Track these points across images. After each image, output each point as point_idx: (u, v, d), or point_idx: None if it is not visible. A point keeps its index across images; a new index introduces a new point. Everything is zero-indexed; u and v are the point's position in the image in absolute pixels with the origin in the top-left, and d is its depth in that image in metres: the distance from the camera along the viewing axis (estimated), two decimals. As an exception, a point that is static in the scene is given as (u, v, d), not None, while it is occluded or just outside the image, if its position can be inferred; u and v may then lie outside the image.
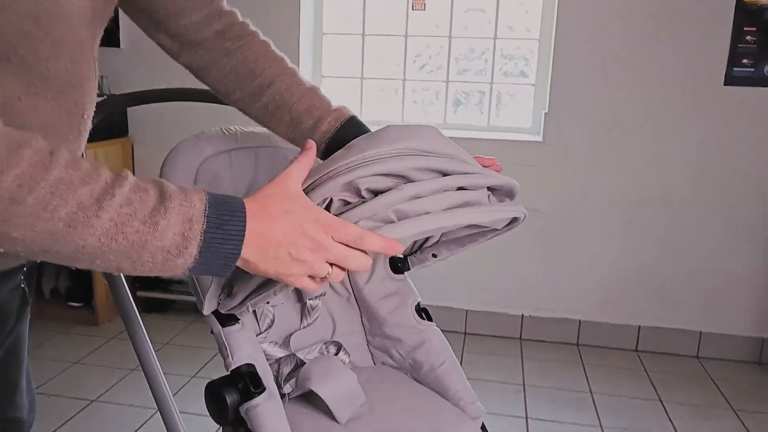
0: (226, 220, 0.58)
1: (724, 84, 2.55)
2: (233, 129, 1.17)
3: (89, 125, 0.78)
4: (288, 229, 0.61)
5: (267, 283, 0.71)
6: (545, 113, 2.72)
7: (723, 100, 2.57)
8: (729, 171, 2.63)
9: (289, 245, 0.61)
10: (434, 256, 1.05)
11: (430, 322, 1.11)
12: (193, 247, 0.57)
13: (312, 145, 0.70)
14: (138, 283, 2.97)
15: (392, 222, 0.72)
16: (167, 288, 3.01)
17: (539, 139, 2.75)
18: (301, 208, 0.63)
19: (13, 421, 1.03)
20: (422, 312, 1.12)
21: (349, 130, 0.93)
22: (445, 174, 0.76)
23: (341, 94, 3.06)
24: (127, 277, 1.12)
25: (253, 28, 0.98)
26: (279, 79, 0.94)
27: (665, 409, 2.34)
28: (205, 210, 0.58)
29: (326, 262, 0.63)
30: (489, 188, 0.81)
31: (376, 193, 0.71)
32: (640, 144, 2.67)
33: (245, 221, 0.59)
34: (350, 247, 0.64)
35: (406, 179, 0.73)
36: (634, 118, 2.65)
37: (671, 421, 2.25)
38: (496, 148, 2.75)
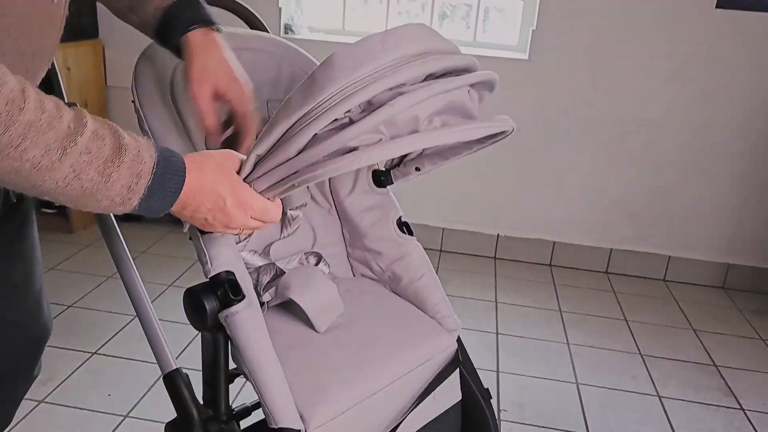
0: (168, 178, 0.66)
1: (716, 6, 2.50)
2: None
3: (41, 69, 0.75)
4: (213, 199, 0.71)
5: None
6: (533, 30, 2.65)
7: (713, 22, 2.52)
8: (709, 96, 2.61)
9: (207, 213, 0.71)
10: (417, 169, 1.03)
11: (410, 236, 1.10)
12: (135, 199, 0.64)
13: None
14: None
15: (382, 134, 0.70)
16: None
17: (525, 57, 2.70)
18: (229, 185, 0.71)
19: (19, 325, 1.03)
20: (403, 226, 1.11)
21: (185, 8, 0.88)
22: (433, 75, 0.73)
23: (323, 3, 2.94)
24: None
25: None
26: None
27: (629, 327, 2.43)
28: (153, 167, 0.64)
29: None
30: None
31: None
32: (624, 64, 2.63)
33: (184, 182, 0.67)
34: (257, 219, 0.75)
35: (396, 88, 0.70)
36: (622, 38, 2.59)
37: (634, 339, 2.34)
38: (482, 64, 2.67)
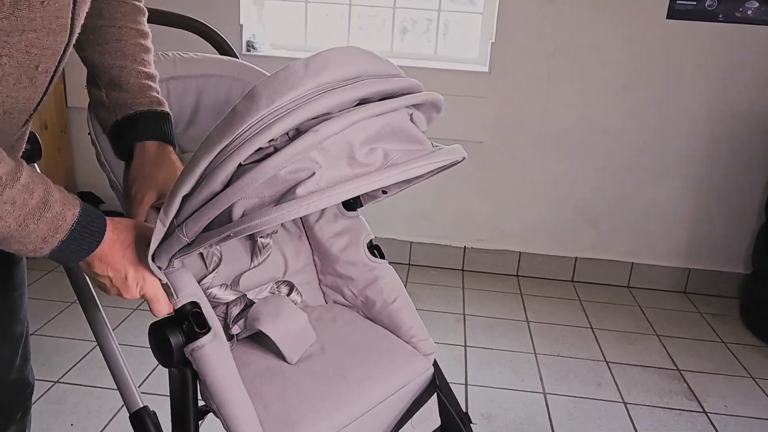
0: (85, 237, 0.72)
1: (667, 17, 2.58)
2: (170, 55, 1.09)
3: (46, 79, 0.75)
4: (117, 269, 0.77)
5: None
6: (492, 43, 2.68)
7: (665, 32, 2.59)
8: (664, 103, 2.69)
9: (106, 279, 0.77)
10: (384, 192, 1.02)
11: (382, 260, 1.10)
12: (47, 249, 0.70)
13: None
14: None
15: (316, 162, 0.67)
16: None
17: (485, 69, 2.73)
18: (134, 264, 0.77)
19: (23, 383, 1.01)
20: (374, 249, 1.11)
21: (149, 122, 0.92)
22: (368, 100, 0.72)
23: (285, 19, 2.92)
24: None
25: None
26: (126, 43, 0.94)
27: (595, 335, 2.47)
28: (72, 226, 0.70)
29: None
30: (415, 105, 0.78)
31: (288, 134, 0.67)
32: (581, 74, 2.68)
33: (98, 244, 0.74)
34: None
35: (324, 115, 0.68)
36: (578, 48, 2.65)
37: (600, 347, 2.38)
38: (443, 77, 2.72)
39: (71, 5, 0.70)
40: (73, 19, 0.72)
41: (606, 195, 2.83)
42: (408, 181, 0.94)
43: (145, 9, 0.98)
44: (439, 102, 0.80)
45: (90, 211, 0.73)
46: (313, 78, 0.66)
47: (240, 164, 0.66)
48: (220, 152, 0.66)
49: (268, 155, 0.66)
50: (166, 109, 0.95)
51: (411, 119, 0.80)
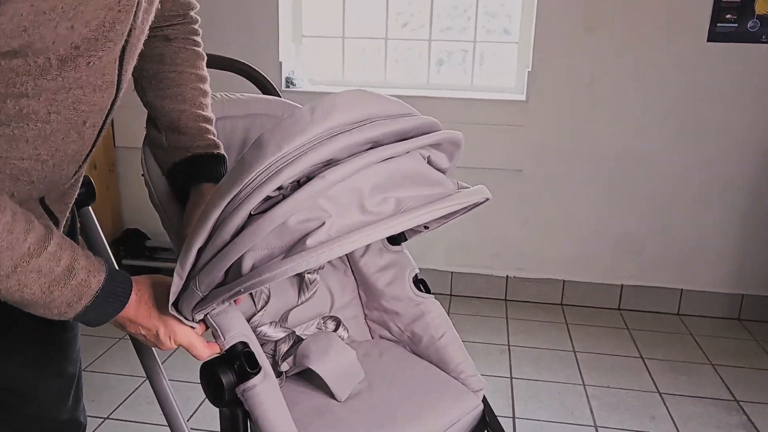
0: (109, 301, 0.74)
1: (708, 40, 2.54)
2: (218, 96, 1.11)
3: (94, 133, 0.77)
4: (147, 327, 0.79)
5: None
6: (528, 71, 2.68)
7: (706, 56, 2.55)
8: (708, 129, 2.63)
9: (141, 337, 0.81)
10: (426, 227, 1.02)
11: (428, 294, 1.09)
12: (72, 314, 0.71)
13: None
14: (123, 250, 2.91)
15: (325, 212, 0.67)
16: (152, 256, 2.96)
17: (523, 98, 2.72)
18: (161, 320, 0.79)
19: (75, 424, 1.03)
20: (420, 283, 1.10)
21: (208, 164, 0.95)
22: (378, 143, 0.71)
23: (322, 55, 2.98)
24: (110, 243, 1.10)
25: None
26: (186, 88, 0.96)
27: (646, 365, 2.39)
28: (97, 293, 0.72)
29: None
30: (432, 145, 0.77)
31: (299, 182, 0.67)
32: (621, 101, 2.65)
33: (123, 306, 0.76)
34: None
35: (333, 161, 0.68)
36: (616, 75, 2.62)
37: (651, 377, 2.30)
38: (480, 107, 2.72)
39: (117, 63, 0.72)
40: (119, 75, 0.74)
41: (650, 223, 2.77)
42: (445, 217, 0.94)
43: (205, 54, 1.00)
44: (457, 139, 0.79)
45: (115, 276, 0.75)
46: (320, 123, 0.66)
47: (250, 214, 0.67)
48: (230, 202, 0.66)
49: (276, 203, 0.66)
50: (222, 151, 0.97)
51: (429, 160, 0.79)
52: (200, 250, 0.71)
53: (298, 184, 0.67)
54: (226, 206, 0.67)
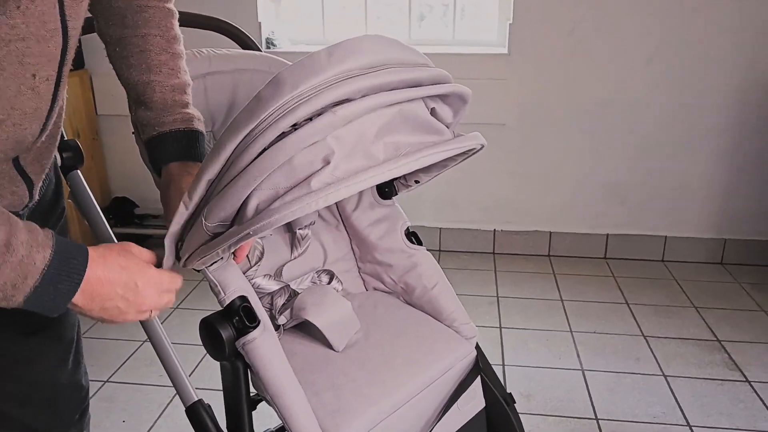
0: (63, 279, 0.64)
1: (689, -15, 2.53)
2: (205, 51, 1.10)
3: (50, 87, 0.71)
4: (124, 282, 0.70)
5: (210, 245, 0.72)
6: (510, 24, 2.67)
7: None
8: (691, 74, 2.64)
9: (119, 300, 0.70)
10: (417, 182, 1.04)
11: (420, 246, 1.11)
12: (20, 297, 0.62)
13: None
14: (113, 219, 2.90)
15: (331, 150, 0.68)
16: (142, 223, 2.96)
17: (505, 51, 2.71)
18: (137, 267, 0.72)
19: (77, 387, 1.02)
20: (412, 236, 1.12)
21: (180, 141, 0.88)
22: (392, 88, 0.72)
23: (302, 11, 2.93)
24: (103, 211, 1.09)
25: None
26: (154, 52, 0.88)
27: (631, 310, 2.45)
28: (44, 269, 0.63)
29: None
30: (440, 96, 0.78)
31: (311, 119, 0.67)
32: (602, 49, 2.65)
33: (81, 280, 0.66)
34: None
35: (347, 101, 0.69)
36: (597, 23, 2.61)
37: (636, 321, 2.37)
38: (462, 62, 2.71)
39: (57, 7, 0.66)
40: (64, 21, 0.68)
41: (634, 170, 2.80)
42: (438, 167, 0.95)
43: (176, 11, 0.91)
44: (465, 94, 0.80)
45: (67, 248, 0.66)
46: (337, 65, 0.66)
47: (264, 149, 0.67)
48: (245, 137, 0.67)
49: (287, 134, 0.66)
50: (193, 125, 0.89)
51: (434, 112, 0.80)
52: (211, 183, 0.70)
53: (311, 122, 0.67)
54: (241, 141, 0.67)
